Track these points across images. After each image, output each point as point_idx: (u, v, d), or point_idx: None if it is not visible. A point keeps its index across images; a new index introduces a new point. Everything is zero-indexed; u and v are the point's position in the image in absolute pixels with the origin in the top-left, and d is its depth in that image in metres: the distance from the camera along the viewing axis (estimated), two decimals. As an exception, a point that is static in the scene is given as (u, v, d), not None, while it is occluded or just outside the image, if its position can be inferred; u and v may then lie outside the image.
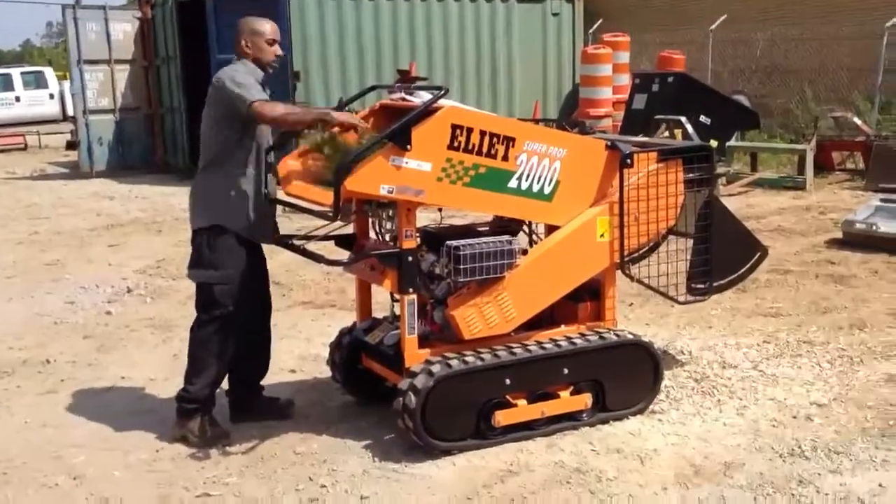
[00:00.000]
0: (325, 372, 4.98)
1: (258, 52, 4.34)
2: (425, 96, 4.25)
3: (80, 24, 15.22)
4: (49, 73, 29.18)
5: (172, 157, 15.70)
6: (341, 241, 4.66)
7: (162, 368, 5.49)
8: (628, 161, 4.39)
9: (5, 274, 8.07)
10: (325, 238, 4.54)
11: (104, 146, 15.71)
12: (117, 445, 4.37)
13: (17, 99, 27.90)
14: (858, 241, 8.01)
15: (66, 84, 22.43)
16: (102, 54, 15.48)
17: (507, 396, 4.21)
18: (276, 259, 8.17)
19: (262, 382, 4.73)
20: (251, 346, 4.57)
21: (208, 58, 13.72)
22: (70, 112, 21.77)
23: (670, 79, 11.25)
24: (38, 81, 28.59)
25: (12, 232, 10.24)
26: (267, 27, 4.37)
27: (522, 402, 4.24)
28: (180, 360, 5.57)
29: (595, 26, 17.44)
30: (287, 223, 9.63)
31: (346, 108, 4.84)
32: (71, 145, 18.46)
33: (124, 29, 15.79)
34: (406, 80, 4.67)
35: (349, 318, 5.23)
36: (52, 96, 28.37)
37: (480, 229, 4.62)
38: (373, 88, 5.26)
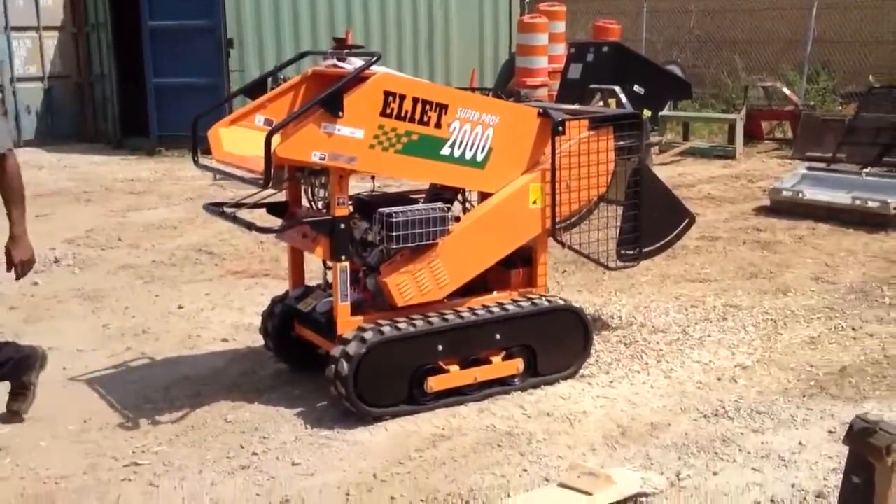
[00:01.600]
0: (258, 341, 4.96)
1: None
2: (358, 63, 4.22)
3: (7, -10, 14.74)
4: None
5: (103, 126, 15.35)
6: (273, 208, 4.63)
7: (90, 339, 5.41)
8: (560, 129, 4.43)
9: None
10: (257, 206, 4.50)
11: (32, 115, 15.26)
12: (44, 418, 4.29)
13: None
14: (785, 208, 8.20)
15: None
16: (31, 21, 15.01)
17: (440, 362, 4.24)
18: (210, 228, 8.12)
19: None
20: None
21: (140, 24, 13.40)
22: (-4, 80, 21.11)
23: (605, 48, 11.32)
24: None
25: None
26: None
27: (455, 368, 4.27)
28: (109, 331, 5.53)
29: (532, -5, 17.43)
30: (220, 192, 9.57)
31: (280, 76, 4.80)
32: (-3, 114, 17.91)
33: (53, -5, 15.34)
34: (342, 47, 4.62)
35: (283, 287, 5.20)
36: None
37: (414, 196, 4.63)
38: (305, 55, 5.21)
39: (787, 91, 12.69)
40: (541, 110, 4.51)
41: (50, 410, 4.35)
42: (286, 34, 13.64)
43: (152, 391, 4.58)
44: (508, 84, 13.38)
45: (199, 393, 4.52)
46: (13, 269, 3.73)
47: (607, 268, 4.99)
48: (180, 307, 5.96)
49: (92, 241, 7.90)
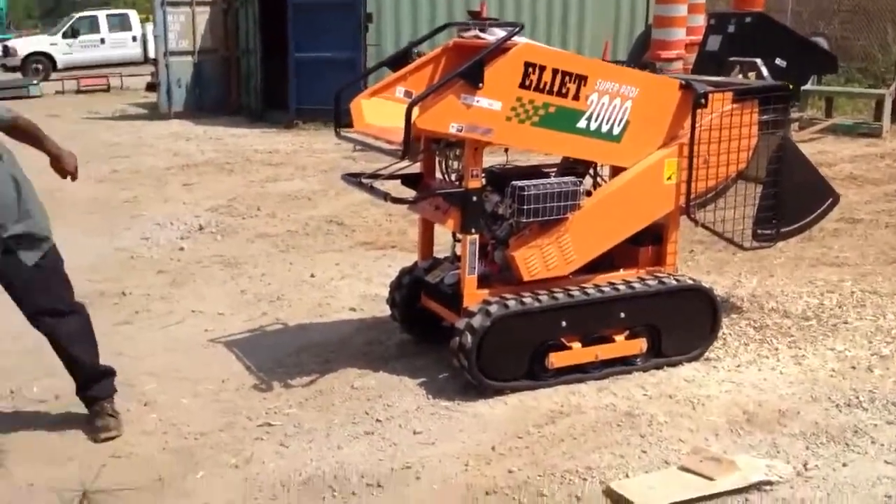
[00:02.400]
0: (385, 311, 5.08)
1: None
2: (499, 33, 4.20)
3: (163, -36, 15.44)
4: (133, 15, 29.69)
5: (246, 99, 15.92)
6: (408, 180, 4.69)
7: (229, 303, 5.67)
8: (702, 101, 4.31)
9: (86, 210, 8.35)
10: (392, 177, 4.57)
11: (182, 88, 16.00)
12: (186, 376, 4.54)
13: (102, 41, 28.50)
14: (936, 190, 7.77)
15: (149, 27, 22.83)
16: (184, -3, 15.73)
17: (562, 339, 4.25)
18: (342, 200, 8.36)
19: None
20: None
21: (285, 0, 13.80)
22: (151, 54, 22.19)
23: (749, 19, 10.93)
24: (122, 24, 29.09)
25: (93, 170, 10.56)
26: None
27: (577, 345, 4.27)
28: (247, 296, 5.78)
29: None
30: (353, 165, 9.80)
31: (415, 50, 4.84)
32: (151, 87, 18.82)
33: (206, -30, 15.98)
34: (477, 20, 4.62)
35: (410, 259, 5.31)
36: (134, 39, 28.89)
37: (546, 170, 4.61)
38: (446, 27, 5.20)
39: (944, 65, 11.95)
40: (683, 82, 4.40)
41: (192, 370, 4.61)
42: (423, 8, 13.79)
43: (284, 355, 4.77)
44: (643, 57, 13.07)
45: (327, 359, 4.68)
46: (69, 176, 3.92)
47: (742, 247, 4.86)
48: (312, 276, 6.17)
49: (233, 209, 8.26)
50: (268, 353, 4.82)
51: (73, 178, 3.94)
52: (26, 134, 3.82)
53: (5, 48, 29.59)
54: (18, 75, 25.29)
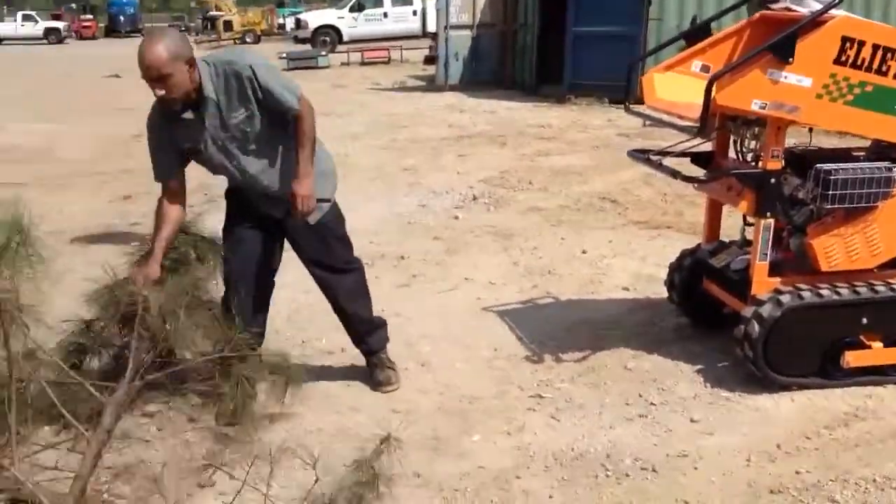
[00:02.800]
0: (659, 292, 4.92)
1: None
2: (815, 5, 3.91)
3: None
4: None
5: (520, 73, 16.07)
6: (697, 158, 4.49)
7: (501, 273, 5.72)
8: None
9: (369, 176, 8.78)
10: (682, 155, 4.39)
11: (459, 61, 16.44)
12: (459, 341, 4.64)
13: (385, 15, 29.99)
14: None
15: (430, 1, 23.67)
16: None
17: (862, 337, 3.91)
18: (614, 177, 8.21)
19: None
20: None
21: (566, -24, 13.75)
22: (430, 28, 23.00)
23: None
24: (404, -1, 30.49)
25: (376, 138, 11.10)
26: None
27: (878, 345, 3.91)
28: (518, 268, 5.81)
29: None
30: (626, 142, 9.60)
31: (714, 24, 4.59)
32: (429, 60, 19.53)
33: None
34: (771, -8, 4.31)
35: (684, 242, 5.10)
36: (415, 13, 30.13)
37: (856, 154, 4.24)
38: (752, -1, 4.91)
39: None
40: None
41: (465, 336, 4.69)
42: (708, -18, 13.20)
43: (556, 329, 4.74)
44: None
45: (600, 337, 4.60)
46: (294, 207, 3.60)
47: None
48: (584, 252, 6.10)
49: (505, 181, 8.35)
50: (539, 325, 4.82)
51: (299, 212, 3.63)
52: (298, 131, 3.60)
53: (297, 21, 31.94)
54: (308, 47, 27.17)
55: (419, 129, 11.90)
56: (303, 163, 3.58)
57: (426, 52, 21.03)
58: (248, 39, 34.82)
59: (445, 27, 16.19)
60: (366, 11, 29.87)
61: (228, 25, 36.81)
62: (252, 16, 39.25)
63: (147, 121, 3.64)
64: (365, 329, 4.14)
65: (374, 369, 4.16)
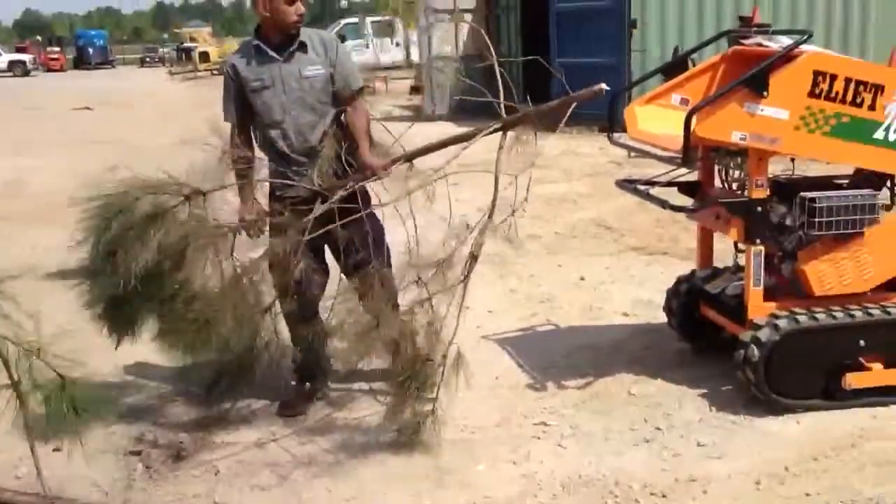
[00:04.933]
0: (658, 318, 4.98)
1: (277, 14, 4.01)
2: (785, 41, 4.05)
3: (426, -27, 16.09)
4: (397, 22, 31.24)
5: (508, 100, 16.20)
6: (685, 187, 4.60)
7: (499, 301, 5.77)
8: None
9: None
10: (669, 184, 4.50)
11: (446, 91, 16.58)
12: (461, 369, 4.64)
13: (367, 46, 30.18)
14: None
15: (412, 32, 23.89)
16: (448, 4, 16.28)
17: (861, 358, 3.98)
18: (609, 204, 8.28)
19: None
20: None
21: (547, 7, 13.92)
22: (414, 58, 23.19)
23: None
24: (386, 30, 30.72)
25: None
26: None
27: (878, 366, 3.98)
28: (516, 296, 5.85)
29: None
30: (618, 170, 9.68)
31: (690, 58, 4.71)
32: (415, 90, 19.65)
33: (471, -20, 16.50)
34: (748, 26, 4.47)
35: (681, 267, 5.17)
36: (397, 44, 30.36)
37: (838, 181, 4.35)
38: (727, 34, 5.04)
39: None
40: None
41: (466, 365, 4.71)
42: (689, 13, 13.42)
43: (557, 356, 4.79)
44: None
45: (602, 363, 4.64)
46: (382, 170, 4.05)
47: None
48: (582, 279, 6.16)
49: (498, 210, 8.37)
50: (540, 352, 4.86)
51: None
52: (354, 118, 4.17)
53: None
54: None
55: (410, 159, 11.93)
56: (364, 152, 4.08)
57: (412, 81, 21.18)
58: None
59: (429, 57, 16.35)
60: (347, 43, 30.05)
61: (205, 56, 36.97)
62: (228, 46, 39.45)
63: (228, 68, 4.17)
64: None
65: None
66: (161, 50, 56.11)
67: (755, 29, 4.46)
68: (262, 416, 4.19)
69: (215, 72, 34.05)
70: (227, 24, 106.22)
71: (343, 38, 29.94)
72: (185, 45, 42.01)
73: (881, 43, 13.53)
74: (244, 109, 4.17)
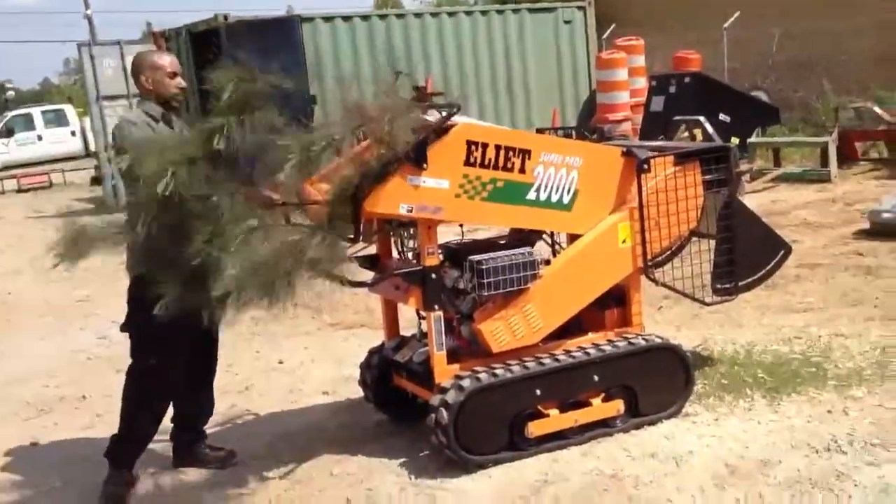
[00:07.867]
0: (358, 392, 5.01)
1: (160, 88, 4.18)
2: (437, 115, 4.28)
3: (97, 60, 15.40)
4: (69, 110, 29.55)
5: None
6: (365, 261, 4.68)
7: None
8: (645, 167, 4.40)
9: (38, 313, 8.18)
10: (350, 259, 4.55)
11: (129, 180, 15.89)
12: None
13: (40, 138, 28.29)
14: (886, 230, 7.94)
15: (87, 121, 22.74)
16: (120, 89, 15.61)
17: (539, 407, 4.22)
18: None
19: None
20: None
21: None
22: (92, 148, 22.08)
23: (687, 79, 11.26)
24: (59, 119, 28.97)
25: (43, 270, 10.34)
26: (166, 60, 4.21)
27: (555, 412, 4.24)
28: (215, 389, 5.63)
29: (608, 32, 17.42)
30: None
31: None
32: (96, 180, 18.70)
33: (142, 63, 16.01)
34: (423, 95, 4.69)
35: (379, 338, 5.25)
36: (73, 133, 28.73)
37: (502, 242, 4.64)
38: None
39: (878, 110, 12.32)
40: (624, 149, 4.50)
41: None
42: (368, 87, 13.85)
43: (257, 447, 4.66)
44: (591, 120, 13.35)
45: (302, 447, 4.58)
46: None
47: (703, 303, 4.91)
48: (281, 362, 6.09)
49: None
50: (240, 445, 4.70)
51: None
52: None
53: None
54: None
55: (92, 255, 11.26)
56: None
57: (92, 172, 20.15)
58: None
59: (106, 148, 15.62)
60: (16, 136, 27.98)
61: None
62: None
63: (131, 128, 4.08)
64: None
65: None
66: None
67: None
68: None
69: None
70: None
71: (11, 132, 27.96)
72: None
73: (544, 106, 14.86)
74: None
